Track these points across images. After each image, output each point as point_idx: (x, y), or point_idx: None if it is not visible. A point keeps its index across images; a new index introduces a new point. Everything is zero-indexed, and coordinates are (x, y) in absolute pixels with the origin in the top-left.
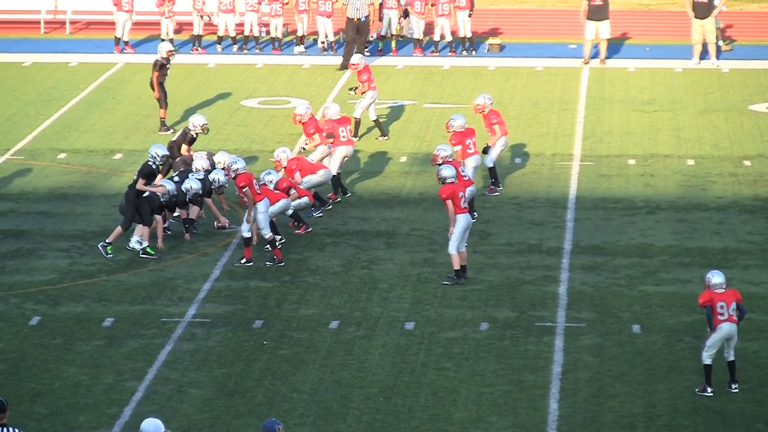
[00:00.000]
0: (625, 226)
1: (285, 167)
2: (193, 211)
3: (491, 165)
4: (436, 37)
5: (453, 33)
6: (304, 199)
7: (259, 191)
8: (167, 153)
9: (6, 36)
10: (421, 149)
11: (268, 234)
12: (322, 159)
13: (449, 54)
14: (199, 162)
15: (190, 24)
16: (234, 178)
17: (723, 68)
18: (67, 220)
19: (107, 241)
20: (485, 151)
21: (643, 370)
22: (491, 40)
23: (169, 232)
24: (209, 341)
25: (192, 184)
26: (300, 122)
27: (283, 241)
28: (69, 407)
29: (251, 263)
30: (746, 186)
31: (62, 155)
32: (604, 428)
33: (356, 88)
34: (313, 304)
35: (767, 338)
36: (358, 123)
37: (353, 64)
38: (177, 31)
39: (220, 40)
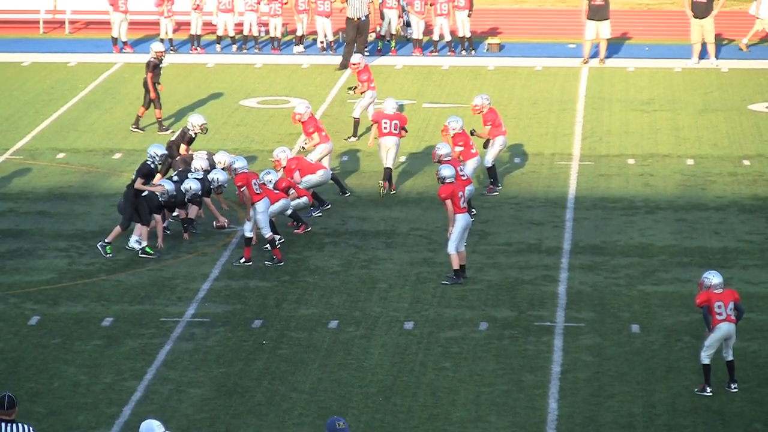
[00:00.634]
0: (625, 226)
1: (284, 167)
2: (192, 210)
3: (490, 165)
4: (435, 37)
5: (452, 33)
6: (303, 199)
7: (258, 191)
8: (166, 152)
9: (5, 36)
10: (421, 149)
11: (268, 234)
12: (321, 159)
13: (448, 54)
14: (199, 162)
15: (189, 23)
16: (233, 177)
17: (722, 68)
18: (66, 219)
19: (106, 240)
20: (485, 145)
21: (642, 369)
22: (490, 40)
23: (168, 232)
24: (208, 341)
25: (191, 184)
26: (300, 121)
27: (282, 240)
28: (68, 407)
29: (251, 263)
30: (745, 186)
31: (61, 155)
32: (603, 428)
33: (355, 87)
34: (312, 303)
35: (766, 338)
36: (357, 123)
37: (353, 64)
38: (175, 31)
39: (219, 39)
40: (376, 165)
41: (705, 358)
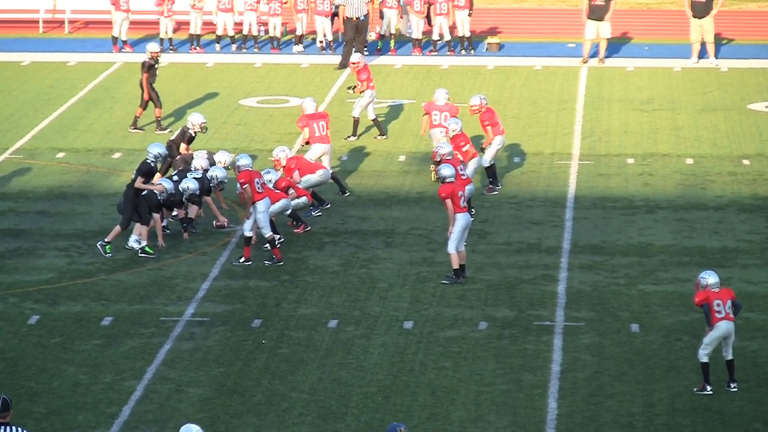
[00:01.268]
0: (624, 226)
1: (284, 166)
2: (192, 210)
3: (488, 164)
4: (435, 37)
5: (451, 32)
6: (303, 199)
7: (260, 190)
8: (165, 151)
9: (4, 35)
10: (420, 148)
11: (268, 233)
12: (320, 158)
13: (448, 53)
14: (198, 161)
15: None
16: (238, 173)
17: (722, 67)
18: (65, 219)
19: (106, 240)
20: (482, 151)
21: (641, 369)
22: (490, 40)
23: (168, 231)
24: (208, 340)
25: (189, 184)
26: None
27: (282, 240)
28: (68, 406)
29: (250, 262)
30: (745, 185)
31: (61, 154)
32: (603, 427)
33: (355, 87)
34: (311, 303)
35: (766, 337)
36: (356, 122)
37: (353, 63)
38: (175, 30)
39: (218, 39)
40: (375, 164)
41: (703, 356)
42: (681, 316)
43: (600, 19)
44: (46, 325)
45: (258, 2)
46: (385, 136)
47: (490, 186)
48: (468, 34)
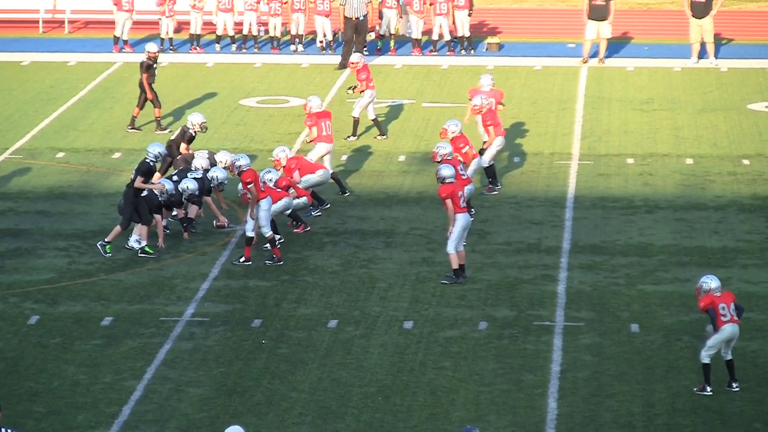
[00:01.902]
0: (624, 226)
1: (284, 166)
2: (192, 210)
3: (487, 165)
4: (435, 37)
5: (451, 32)
6: (303, 199)
7: (263, 188)
8: (165, 151)
9: (4, 35)
10: (420, 148)
11: (268, 232)
12: (322, 158)
13: (448, 53)
14: (199, 161)
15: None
16: (238, 175)
17: (722, 67)
18: (65, 219)
19: (106, 240)
20: (481, 152)
21: (641, 369)
22: (490, 40)
23: (168, 231)
24: (208, 340)
25: (188, 184)
26: (308, 112)
27: (282, 240)
28: (68, 406)
29: (250, 262)
30: (745, 185)
31: (61, 154)
32: (603, 427)
33: (355, 87)
34: (311, 303)
35: (766, 337)
36: (356, 122)
37: (353, 63)
38: (176, 31)
39: (218, 39)
40: (375, 164)
41: (705, 357)
42: (681, 316)
43: (600, 19)
44: (46, 325)
45: (258, 2)
46: (385, 136)
47: (490, 186)
48: (468, 34)
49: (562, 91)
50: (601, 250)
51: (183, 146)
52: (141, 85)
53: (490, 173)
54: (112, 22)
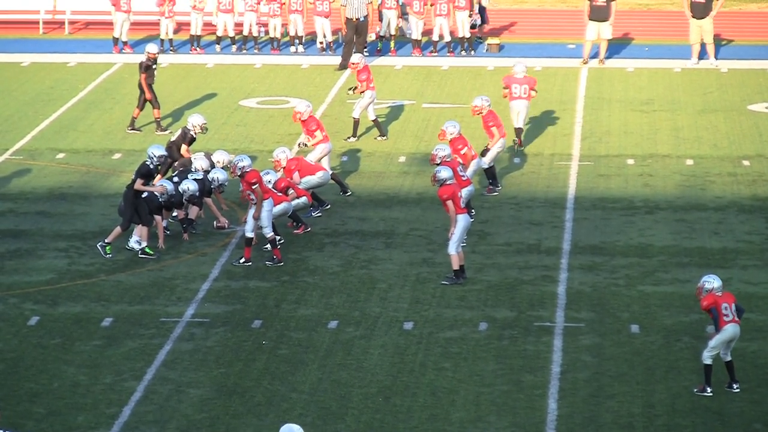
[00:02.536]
0: (624, 226)
1: (284, 167)
2: (193, 211)
3: (487, 166)
4: (435, 37)
5: (451, 33)
6: (303, 199)
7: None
8: (165, 153)
9: (5, 36)
10: (420, 149)
11: (270, 233)
12: (321, 159)
13: (448, 54)
14: (199, 162)
15: (189, 24)
16: (241, 176)
17: (722, 68)
18: (65, 220)
19: (106, 241)
20: (483, 153)
21: (641, 370)
22: (490, 40)
23: (168, 232)
24: (208, 341)
25: (189, 185)
26: (300, 120)
27: (282, 241)
28: (68, 407)
29: (250, 263)
30: (745, 186)
31: (61, 155)
32: (603, 428)
33: (355, 87)
34: (311, 304)
35: (766, 338)
36: (356, 123)
37: (353, 64)
38: (176, 31)
39: (218, 40)
40: (375, 165)
41: (707, 358)
42: (681, 316)
43: (601, 20)
44: (46, 326)
45: (258, 3)
46: (385, 137)
47: (490, 187)
48: (468, 35)
49: (562, 92)
50: (601, 251)
51: (184, 148)
52: (140, 85)
53: (490, 174)
54: (112, 23)
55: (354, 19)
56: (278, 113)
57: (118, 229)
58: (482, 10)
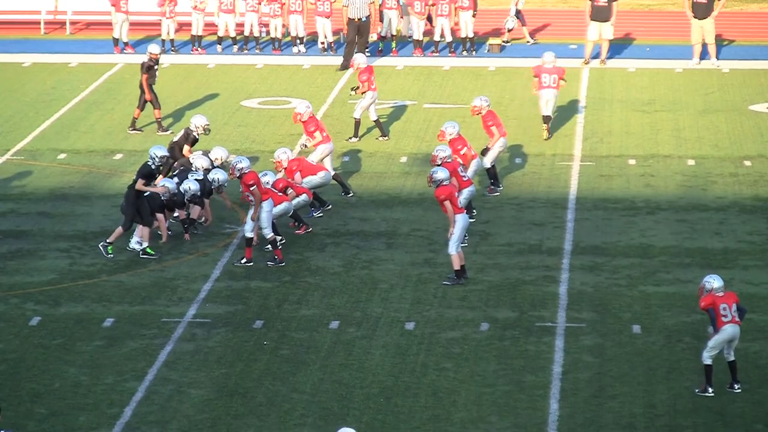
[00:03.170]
0: (626, 227)
1: (285, 168)
2: (195, 211)
3: (489, 166)
4: (436, 38)
5: (453, 33)
6: (303, 197)
7: (264, 190)
8: (167, 154)
9: (6, 36)
10: (422, 149)
11: (270, 234)
12: (322, 159)
13: (449, 54)
14: (198, 161)
15: (190, 24)
16: (240, 177)
17: (723, 68)
18: (67, 220)
19: (108, 241)
20: (483, 153)
21: (643, 370)
22: (491, 41)
23: (170, 232)
24: (209, 341)
25: (190, 185)
26: (300, 121)
27: (283, 241)
28: (69, 407)
29: (252, 263)
30: (746, 186)
31: (62, 155)
32: (604, 428)
33: (357, 87)
34: (313, 304)
35: (767, 339)
36: (358, 123)
37: (355, 65)
38: (177, 31)
39: (220, 40)
40: (376, 165)
41: (707, 358)
42: (682, 317)
43: (603, 20)
44: (47, 327)
45: (259, 3)
46: (386, 138)
47: (492, 187)
48: (471, 35)
49: (563, 92)
50: (603, 252)
51: (186, 148)
52: (141, 86)
53: (491, 174)
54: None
55: (356, 20)
56: (280, 114)
57: (119, 229)
58: (518, 13)
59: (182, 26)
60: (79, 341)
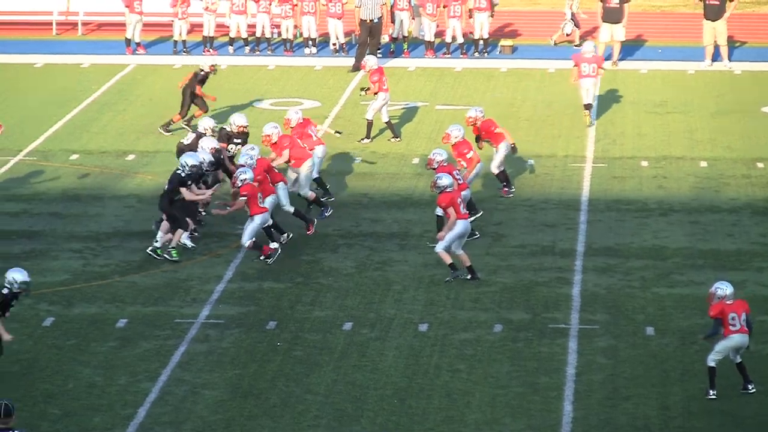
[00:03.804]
0: (638, 228)
1: (275, 143)
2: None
3: (497, 171)
4: (448, 39)
5: (464, 35)
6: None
7: (262, 203)
8: (197, 163)
9: (18, 37)
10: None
11: (249, 242)
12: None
13: (461, 56)
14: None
15: (202, 25)
16: (238, 186)
17: (735, 70)
18: (79, 221)
19: (171, 246)
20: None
21: (656, 372)
22: (503, 42)
23: (197, 234)
24: (223, 342)
25: (203, 156)
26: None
27: (277, 247)
28: (83, 408)
29: (271, 259)
30: (759, 188)
31: (75, 156)
32: (618, 430)
33: (368, 88)
34: (326, 305)
35: None
36: (370, 125)
37: (367, 67)
38: (189, 32)
39: (231, 41)
40: (388, 167)
41: (711, 361)
42: (696, 318)
43: (614, 22)
44: (61, 327)
45: (270, 4)
46: (398, 139)
47: (505, 189)
48: (486, 36)
49: (575, 94)
50: (616, 253)
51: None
52: (186, 91)
53: (502, 177)
54: (125, 24)
55: (368, 21)
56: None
57: (179, 231)
58: (573, 16)
59: (194, 27)
60: (92, 342)
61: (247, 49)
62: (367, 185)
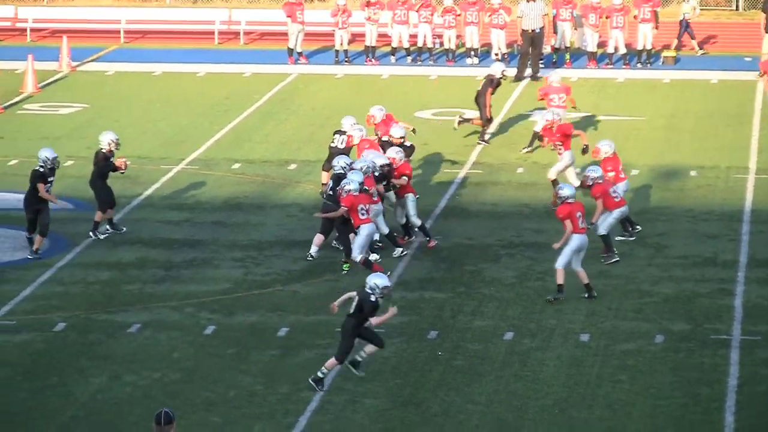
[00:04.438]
0: None
1: (356, 145)
2: None
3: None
4: (610, 49)
5: (627, 45)
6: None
7: (364, 215)
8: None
9: (180, 46)
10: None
11: (359, 256)
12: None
13: (623, 66)
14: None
15: (364, 35)
16: (342, 197)
17: None
18: (241, 230)
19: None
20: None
21: None
22: (666, 53)
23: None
24: (384, 352)
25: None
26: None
27: (379, 259)
28: (244, 416)
29: (405, 251)
30: None
31: (237, 165)
32: None
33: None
34: (487, 315)
35: None
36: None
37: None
38: (351, 42)
39: (393, 51)
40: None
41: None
42: None
43: None
44: (221, 335)
45: (432, 15)
46: (530, 149)
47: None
48: (650, 47)
49: (738, 105)
50: None
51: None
52: (479, 100)
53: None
54: (287, 34)
55: (530, 31)
56: (452, 124)
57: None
58: (687, 25)
59: (356, 37)
60: (253, 350)
61: (409, 59)
62: (529, 195)
